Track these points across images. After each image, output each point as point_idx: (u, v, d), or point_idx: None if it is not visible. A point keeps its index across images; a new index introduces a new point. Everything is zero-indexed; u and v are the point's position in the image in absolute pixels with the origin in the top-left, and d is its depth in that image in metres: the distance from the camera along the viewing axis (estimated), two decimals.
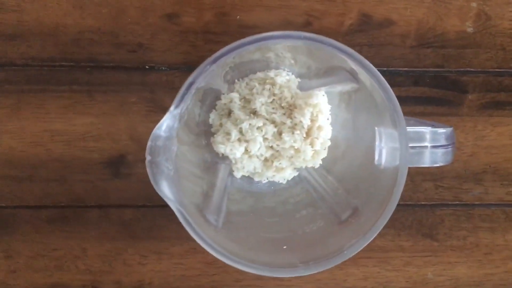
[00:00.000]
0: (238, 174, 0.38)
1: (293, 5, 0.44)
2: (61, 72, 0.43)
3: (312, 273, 0.32)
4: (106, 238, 0.45)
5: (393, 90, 0.45)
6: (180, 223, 0.33)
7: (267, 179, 0.38)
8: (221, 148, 0.37)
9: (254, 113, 0.37)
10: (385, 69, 0.46)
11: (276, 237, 0.35)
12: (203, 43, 0.44)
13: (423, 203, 0.47)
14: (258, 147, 0.37)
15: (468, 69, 0.46)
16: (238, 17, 0.44)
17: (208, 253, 0.33)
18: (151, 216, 0.45)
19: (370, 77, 0.30)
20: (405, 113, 0.45)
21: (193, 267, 0.46)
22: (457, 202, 0.47)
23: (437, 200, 0.47)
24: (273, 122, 0.37)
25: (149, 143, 0.30)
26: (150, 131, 0.44)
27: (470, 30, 0.46)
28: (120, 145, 0.45)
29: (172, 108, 0.31)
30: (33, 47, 0.43)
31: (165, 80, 0.44)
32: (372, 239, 0.32)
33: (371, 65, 0.31)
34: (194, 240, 0.34)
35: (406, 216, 0.47)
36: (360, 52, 0.45)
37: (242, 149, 0.37)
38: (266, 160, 0.38)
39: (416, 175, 0.47)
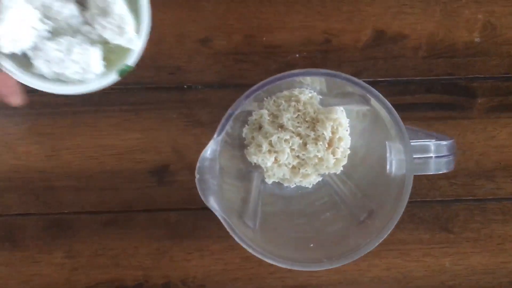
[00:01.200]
0: (269, 181, 0.43)
1: (313, 25, 0.49)
2: (112, 94, 0.49)
3: (334, 267, 0.37)
4: (154, 238, 0.51)
5: (408, 98, 0.50)
6: (219, 223, 0.39)
7: (295, 184, 0.44)
8: (254, 159, 0.43)
9: (282, 127, 0.43)
10: (399, 79, 0.50)
11: (303, 236, 0.40)
12: (233, 63, 0.49)
13: (439, 199, 0.52)
14: (286, 156, 0.42)
15: (477, 75, 0.50)
16: (264, 38, 0.49)
17: (244, 249, 0.39)
18: (193, 217, 0.51)
19: (378, 103, 0.35)
20: (419, 119, 0.50)
21: (232, 262, 0.52)
22: (470, 198, 0.52)
23: (452, 196, 0.52)
24: (299, 134, 0.42)
25: (197, 164, 0.36)
26: (189, 143, 0.50)
27: (477, 40, 0.50)
28: (163, 156, 0.50)
29: (215, 135, 0.36)
30: None
31: (200, 98, 0.50)
32: (384, 238, 0.37)
33: (378, 93, 0.36)
34: (232, 238, 0.39)
35: (424, 212, 0.52)
36: (375, 65, 0.50)
37: (272, 159, 0.42)
38: (293, 167, 0.43)
39: (431, 175, 0.51)
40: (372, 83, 0.49)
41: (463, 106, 0.50)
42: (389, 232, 0.37)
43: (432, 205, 0.52)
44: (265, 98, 0.44)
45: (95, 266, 0.51)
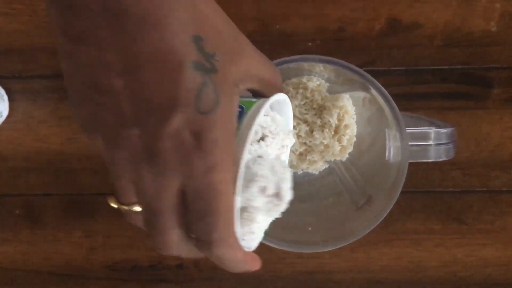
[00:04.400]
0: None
1: (327, 13, 0.49)
2: None
3: (329, 249, 0.38)
4: None
5: (423, 87, 0.50)
6: None
7: (302, 170, 0.44)
8: None
9: None
10: (414, 68, 0.50)
11: (303, 220, 0.41)
12: None
13: (451, 190, 0.51)
14: (293, 143, 0.42)
15: (493, 65, 0.49)
16: (277, 26, 0.50)
17: None
18: None
19: (374, 90, 0.35)
20: (434, 108, 0.50)
21: None
22: (484, 189, 0.51)
23: (465, 187, 0.51)
24: (306, 121, 0.42)
25: None
26: None
27: (494, 29, 0.49)
28: None
29: None
30: None
31: None
32: (377, 223, 0.37)
33: (374, 80, 0.36)
34: None
35: (436, 202, 0.52)
36: (390, 53, 0.50)
37: None
38: (300, 154, 0.43)
39: (444, 165, 0.51)
40: (386, 72, 0.50)
41: (478, 96, 0.50)
42: (381, 218, 0.37)
43: (445, 195, 0.51)
44: None
45: (112, 246, 0.53)
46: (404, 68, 0.50)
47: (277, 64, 0.37)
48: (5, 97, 0.50)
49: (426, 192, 0.51)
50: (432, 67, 0.50)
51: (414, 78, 0.50)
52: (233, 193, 0.25)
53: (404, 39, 0.50)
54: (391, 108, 0.35)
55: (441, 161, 0.52)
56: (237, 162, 0.25)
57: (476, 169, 0.51)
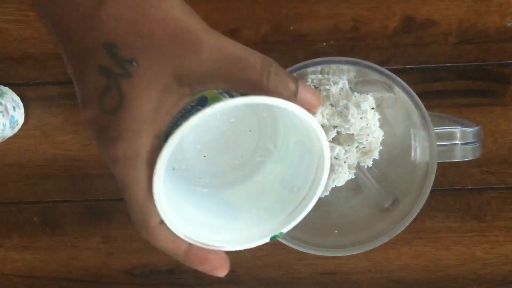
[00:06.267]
0: None
1: (341, 13, 0.49)
2: None
3: (357, 252, 0.37)
4: None
5: (438, 85, 0.50)
6: None
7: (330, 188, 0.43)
8: None
9: None
10: (429, 66, 0.49)
11: (328, 223, 0.40)
12: (262, 53, 0.50)
13: (470, 187, 0.51)
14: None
15: (509, 61, 0.49)
16: (291, 27, 0.50)
17: None
18: None
19: (400, 89, 0.34)
20: (450, 106, 0.50)
21: (261, 248, 0.50)
22: (503, 186, 0.51)
23: (484, 184, 0.51)
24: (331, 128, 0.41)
25: None
26: None
27: (510, 24, 0.48)
28: None
29: None
30: None
31: None
32: (407, 224, 0.37)
33: (400, 79, 0.36)
34: None
35: (455, 200, 0.51)
36: (405, 52, 0.49)
37: None
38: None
39: (462, 162, 0.51)
40: (401, 71, 0.49)
41: (495, 92, 0.50)
42: (412, 219, 0.37)
43: (463, 193, 0.51)
44: None
45: (130, 251, 0.53)
46: (420, 66, 0.50)
47: (299, 68, 0.36)
48: (21, 105, 0.50)
49: (444, 190, 0.51)
50: (447, 65, 0.50)
51: (430, 76, 0.50)
52: (144, 187, 0.27)
53: (419, 37, 0.49)
54: (418, 107, 0.35)
55: (448, 161, 0.52)
56: (160, 157, 0.27)
57: (494, 166, 0.51)
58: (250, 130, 0.36)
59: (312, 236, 0.38)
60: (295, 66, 0.37)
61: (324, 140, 0.29)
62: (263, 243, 0.32)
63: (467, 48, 0.49)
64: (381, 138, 0.40)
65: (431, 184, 0.35)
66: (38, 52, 0.51)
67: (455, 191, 0.51)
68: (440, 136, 0.35)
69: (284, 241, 0.38)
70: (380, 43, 0.49)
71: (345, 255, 0.38)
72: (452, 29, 0.49)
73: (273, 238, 0.32)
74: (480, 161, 0.51)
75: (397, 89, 0.36)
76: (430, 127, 0.34)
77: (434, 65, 0.50)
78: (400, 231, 0.36)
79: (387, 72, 0.35)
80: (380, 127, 0.41)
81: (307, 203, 0.31)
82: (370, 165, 0.42)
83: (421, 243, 0.52)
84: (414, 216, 0.36)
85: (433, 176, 0.35)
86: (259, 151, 0.36)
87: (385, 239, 0.36)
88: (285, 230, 0.32)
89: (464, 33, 0.49)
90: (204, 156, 0.35)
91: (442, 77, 0.50)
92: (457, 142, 0.35)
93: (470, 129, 0.35)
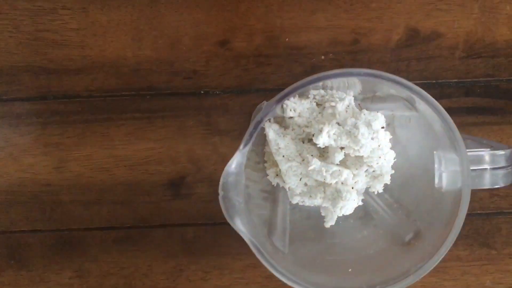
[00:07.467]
0: (294, 200, 0.39)
1: (341, 24, 0.46)
2: (123, 101, 0.46)
3: None
4: (170, 255, 0.48)
5: (444, 102, 0.46)
6: (239, 239, 0.35)
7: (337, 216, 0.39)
8: (273, 180, 0.39)
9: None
10: (434, 81, 0.46)
11: (340, 260, 0.36)
12: (255, 66, 0.46)
13: (479, 212, 0.47)
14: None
15: None
16: (287, 39, 0.46)
17: (266, 268, 0.35)
18: (212, 233, 0.47)
19: (428, 106, 0.30)
20: (457, 124, 0.45)
21: (254, 281, 0.48)
22: None
23: (493, 208, 0.47)
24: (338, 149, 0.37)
25: (221, 180, 0.32)
26: (208, 153, 0.46)
27: None
28: (179, 167, 0.47)
29: (241, 146, 0.32)
30: (96, 79, 0.46)
31: (219, 104, 0.46)
32: (438, 262, 0.33)
33: (428, 95, 0.32)
34: (253, 255, 0.35)
35: (463, 226, 0.47)
36: (408, 66, 0.46)
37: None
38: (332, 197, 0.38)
39: None
40: None
41: (504, 110, 0.46)
42: (444, 254, 0.32)
43: (471, 218, 0.48)
44: None
45: (106, 287, 0.47)
46: (424, 81, 0.46)
47: (307, 83, 0.32)
48: None
49: None
50: (454, 80, 0.46)
51: (435, 92, 0.46)
52: None
53: (424, 51, 0.46)
54: (448, 125, 0.31)
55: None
56: None
57: (504, 190, 0.47)
58: None
59: (323, 276, 0.33)
60: (302, 82, 0.32)
61: None
62: None
63: (475, 63, 0.46)
64: (392, 161, 0.36)
65: (464, 216, 0.31)
66: (5, 65, 0.46)
67: None
68: (469, 161, 0.31)
69: (292, 284, 0.33)
70: (382, 57, 0.46)
71: None
72: (459, 43, 0.46)
73: None
74: None
75: (420, 105, 0.32)
76: (462, 149, 0.30)
77: (440, 80, 0.46)
78: (429, 270, 0.32)
79: (412, 85, 0.31)
80: (392, 148, 0.37)
81: None
82: (381, 190, 0.37)
83: (427, 273, 0.48)
84: (445, 253, 0.32)
85: (466, 206, 0.31)
86: None
87: (411, 280, 0.31)
88: None
89: (472, 46, 0.46)
90: None
91: (448, 93, 0.46)
92: (486, 166, 0.31)
93: (501, 152, 0.31)
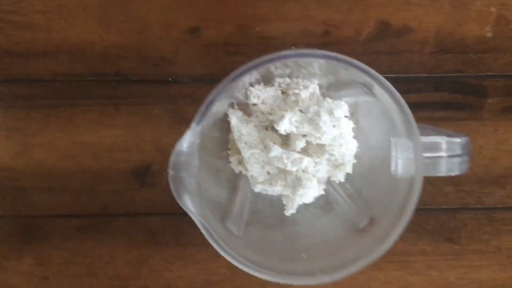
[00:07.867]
0: (256, 189, 0.39)
1: (312, 15, 0.45)
2: (89, 86, 0.45)
3: (330, 281, 0.33)
4: (133, 245, 0.47)
5: (413, 96, 0.46)
6: None
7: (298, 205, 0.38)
8: (236, 168, 0.38)
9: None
10: (404, 75, 0.46)
11: (295, 246, 0.35)
12: (225, 55, 0.45)
13: (444, 207, 0.48)
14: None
15: (488, 73, 0.46)
16: (258, 29, 0.45)
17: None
18: (177, 223, 0.47)
19: (384, 91, 0.30)
20: (425, 119, 0.46)
21: (218, 272, 0.47)
22: (479, 206, 0.48)
23: (459, 204, 0.48)
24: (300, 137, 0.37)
25: (171, 158, 0.32)
26: (174, 142, 0.45)
27: (489, 35, 0.46)
28: (145, 156, 0.46)
29: (193, 125, 0.32)
30: (62, 63, 0.45)
31: (187, 92, 0.45)
32: (389, 248, 0.33)
33: (384, 79, 0.32)
34: None
35: (428, 221, 0.48)
36: (378, 59, 0.46)
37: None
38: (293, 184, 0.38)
39: (437, 180, 0.47)
40: None
41: (472, 106, 0.47)
42: (393, 242, 0.32)
43: (437, 213, 0.48)
44: None
45: (67, 275, 0.47)
46: (394, 75, 0.46)
47: (263, 63, 0.31)
48: None
49: (416, 210, 0.47)
50: (423, 75, 0.46)
51: (404, 86, 0.46)
52: None
53: (394, 45, 0.46)
54: (403, 111, 0.30)
55: (433, 176, 0.48)
56: None
57: (470, 185, 0.47)
58: None
59: (277, 261, 0.33)
60: (258, 60, 0.32)
61: None
62: None
63: (445, 58, 0.46)
64: (355, 150, 0.36)
65: (416, 202, 0.31)
66: None
67: (428, 211, 0.48)
68: (423, 147, 0.31)
69: (242, 266, 0.32)
70: (352, 49, 0.46)
71: (312, 284, 0.33)
72: (429, 38, 0.46)
73: None
74: (456, 179, 0.47)
75: (378, 90, 0.31)
76: (416, 134, 0.30)
77: (410, 75, 0.46)
78: (379, 256, 0.32)
79: (369, 69, 0.31)
80: (354, 137, 0.37)
81: None
82: (342, 180, 0.37)
83: (391, 267, 0.48)
84: (396, 239, 0.32)
85: (418, 193, 0.31)
86: None
87: (360, 265, 0.31)
88: None
89: (442, 42, 0.46)
90: None
91: (417, 88, 0.46)
92: (442, 154, 0.31)
93: (458, 140, 0.31)
